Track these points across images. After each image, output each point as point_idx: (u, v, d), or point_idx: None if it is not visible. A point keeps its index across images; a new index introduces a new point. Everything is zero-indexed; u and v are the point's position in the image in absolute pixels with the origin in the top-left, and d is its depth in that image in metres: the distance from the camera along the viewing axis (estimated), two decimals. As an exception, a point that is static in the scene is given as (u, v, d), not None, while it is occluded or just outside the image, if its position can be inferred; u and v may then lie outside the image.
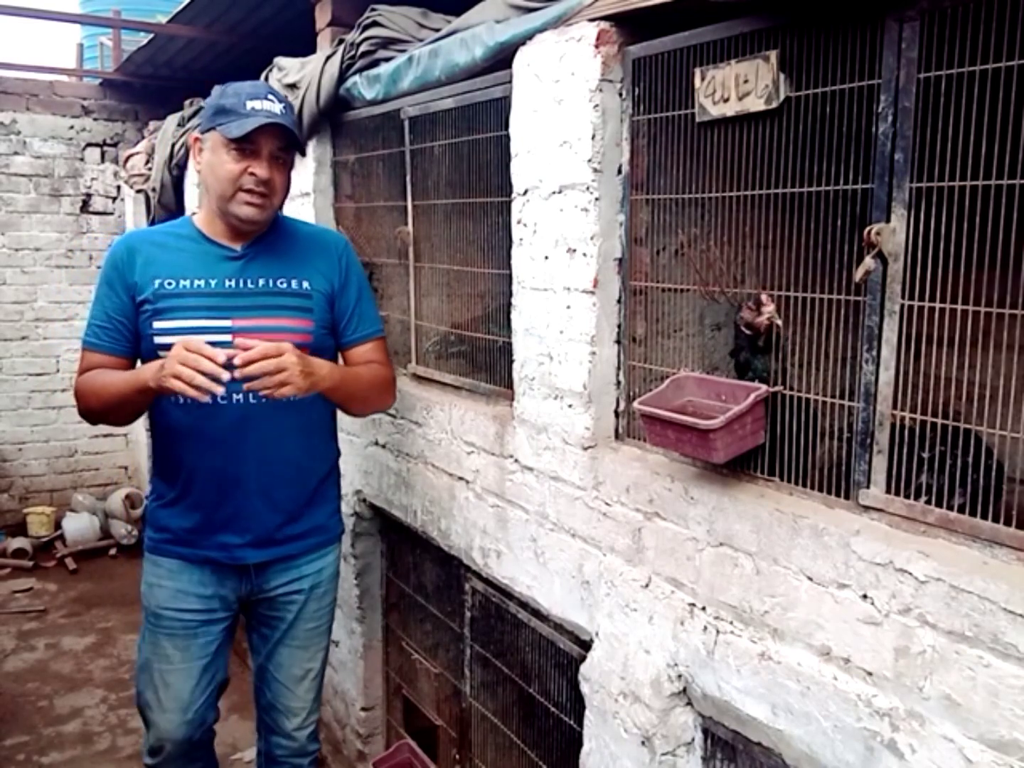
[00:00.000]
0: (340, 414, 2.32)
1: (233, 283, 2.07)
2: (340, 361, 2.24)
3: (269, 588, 2.20)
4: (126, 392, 1.96)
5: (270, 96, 2.01)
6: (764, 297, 1.62)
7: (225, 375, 1.78)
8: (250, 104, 1.97)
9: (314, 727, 2.37)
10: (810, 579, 1.47)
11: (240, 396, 2.02)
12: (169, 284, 2.04)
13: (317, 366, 1.98)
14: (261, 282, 2.08)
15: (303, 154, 2.17)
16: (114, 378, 2.00)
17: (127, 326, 2.06)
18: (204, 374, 1.77)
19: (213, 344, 1.85)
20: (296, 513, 2.18)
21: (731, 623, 1.62)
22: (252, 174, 1.99)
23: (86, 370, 2.08)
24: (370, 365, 2.23)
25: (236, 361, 1.81)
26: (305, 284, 2.13)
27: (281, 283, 2.10)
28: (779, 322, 1.60)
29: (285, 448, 2.13)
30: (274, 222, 2.15)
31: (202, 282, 2.04)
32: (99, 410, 2.04)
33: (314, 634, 2.28)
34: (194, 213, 2.24)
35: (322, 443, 2.26)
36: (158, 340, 2.02)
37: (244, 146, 1.97)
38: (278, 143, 2.01)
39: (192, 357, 1.78)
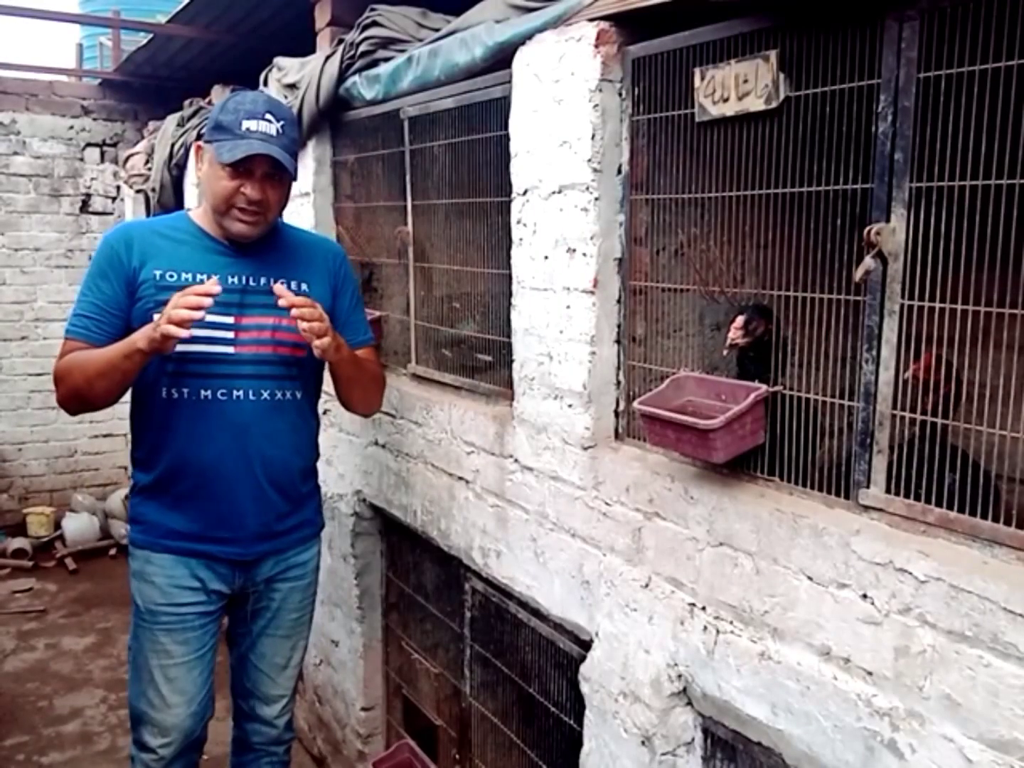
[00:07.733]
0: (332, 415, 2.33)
1: (236, 280, 2.07)
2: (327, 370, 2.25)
3: (259, 580, 2.23)
4: (112, 358, 1.94)
5: (268, 115, 1.97)
6: (738, 320, 1.70)
7: (216, 289, 1.87)
8: (246, 124, 1.95)
9: (291, 715, 2.41)
10: (810, 579, 1.47)
11: (240, 393, 2.06)
12: (171, 276, 2.03)
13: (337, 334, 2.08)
14: (263, 280, 2.09)
15: (295, 179, 2.10)
16: (100, 350, 1.98)
17: (119, 317, 2.02)
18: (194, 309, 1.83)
19: (214, 340, 2.01)
20: (289, 509, 2.22)
21: (731, 623, 1.62)
22: (244, 194, 1.99)
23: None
24: (371, 362, 2.30)
25: (282, 303, 1.93)
26: (304, 286, 2.15)
27: (281, 283, 2.06)
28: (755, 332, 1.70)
29: (281, 447, 2.16)
30: (273, 227, 2.15)
31: (204, 276, 2.02)
32: (80, 384, 1.98)
33: (297, 624, 2.33)
34: (189, 209, 2.22)
35: (309, 442, 2.30)
36: None
37: (237, 166, 1.97)
38: (271, 164, 1.99)
39: (192, 300, 1.83)
